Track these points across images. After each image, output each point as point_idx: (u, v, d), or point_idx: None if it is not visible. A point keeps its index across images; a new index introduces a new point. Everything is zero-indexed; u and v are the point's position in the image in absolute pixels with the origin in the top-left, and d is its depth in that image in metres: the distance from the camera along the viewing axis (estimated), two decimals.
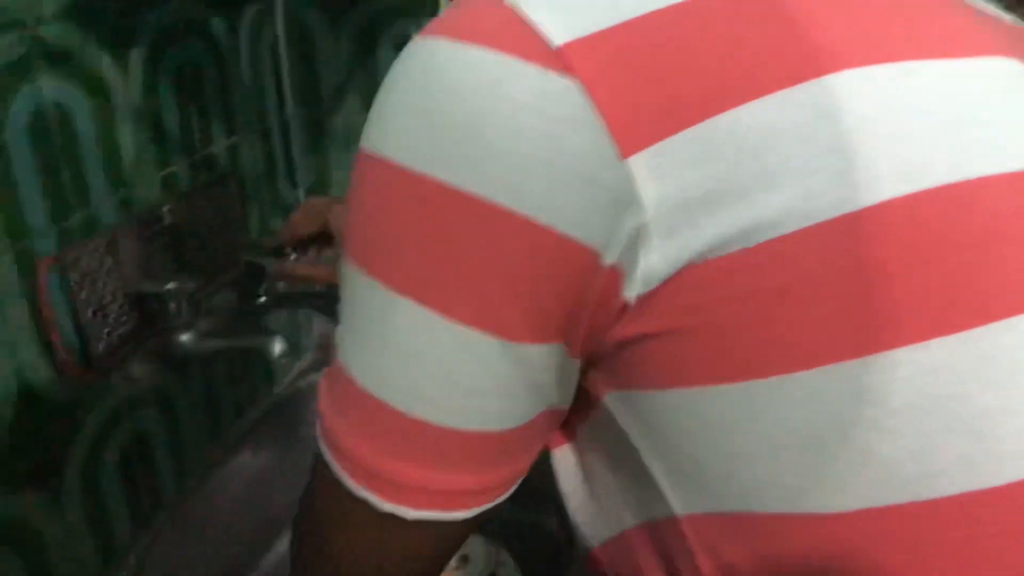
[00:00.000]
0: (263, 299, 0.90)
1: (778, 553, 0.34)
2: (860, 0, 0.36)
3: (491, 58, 0.33)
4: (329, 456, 0.40)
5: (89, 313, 0.73)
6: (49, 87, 0.68)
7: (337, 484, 0.39)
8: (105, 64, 0.74)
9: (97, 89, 0.73)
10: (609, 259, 0.33)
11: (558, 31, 0.33)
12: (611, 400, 0.38)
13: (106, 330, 0.75)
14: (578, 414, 0.41)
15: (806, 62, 0.33)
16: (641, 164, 0.32)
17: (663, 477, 0.37)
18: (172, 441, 0.87)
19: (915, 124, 0.33)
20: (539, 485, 0.46)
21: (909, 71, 0.34)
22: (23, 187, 0.66)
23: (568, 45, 0.33)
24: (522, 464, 0.41)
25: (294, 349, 1.13)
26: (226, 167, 0.93)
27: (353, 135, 1.04)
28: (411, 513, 0.38)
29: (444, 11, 0.37)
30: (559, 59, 0.33)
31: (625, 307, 0.34)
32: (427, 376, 0.36)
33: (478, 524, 0.41)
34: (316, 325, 1.16)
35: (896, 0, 0.37)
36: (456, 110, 0.34)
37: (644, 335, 0.34)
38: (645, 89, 0.32)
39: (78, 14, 0.70)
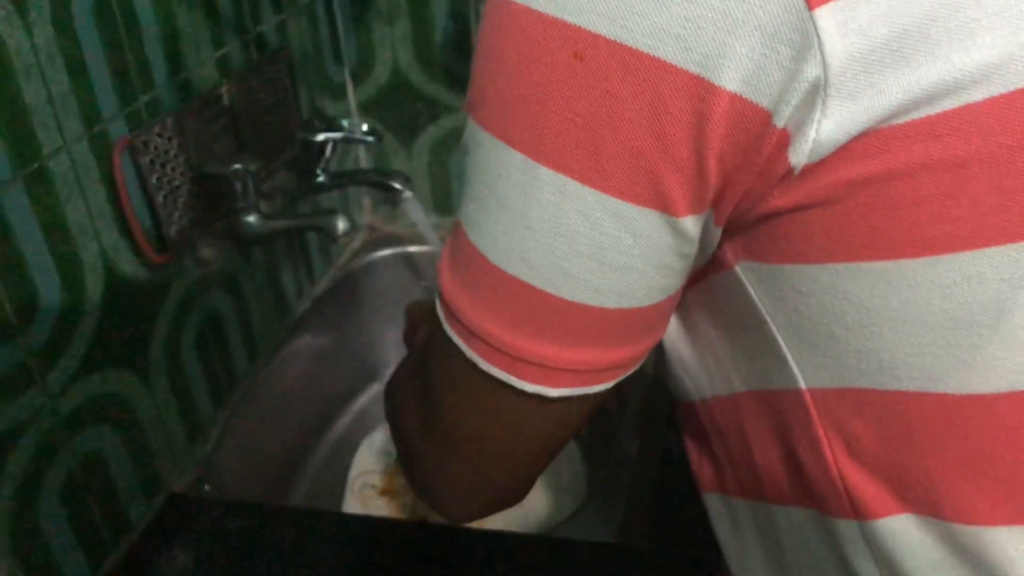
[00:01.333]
0: (320, 178, 0.91)
1: (907, 431, 0.34)
2: None
3: None
4: (459, 339, 0.38)
5: (161, 197, 0.74)
6: None
7: (470, 367, 0.38)
8: None
9: None
10: (780, 121, 0.31)
11: None
12: (743, 269, 0.37)
13: (177, 213, 0.77)
14: (695, 273, 0.40)
15: None
16: (828, 16, 0.29)
17: (792, 349, 0.36)
18: (242, 320, 0.90)
19: None
20: None
21: None
22: (93, 70, 0.66)
23: None
24: (661, 332, 0.40)
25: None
26: (276, 46, 0.92)
27: (396, 11, 1.02)
28: (554, 392, 0.37)
29: None
30: None
31: (788, 174, 0.32)
32: (576, 255, 0.34)
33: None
34: (366, 204, 1.17)
35: None
36: None
37: (801, 206, 0.33)
38: None
39: None
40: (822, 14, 0.29)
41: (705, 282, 0.40)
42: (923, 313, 0.32)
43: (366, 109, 1.10)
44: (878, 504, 0.36)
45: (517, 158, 0.34)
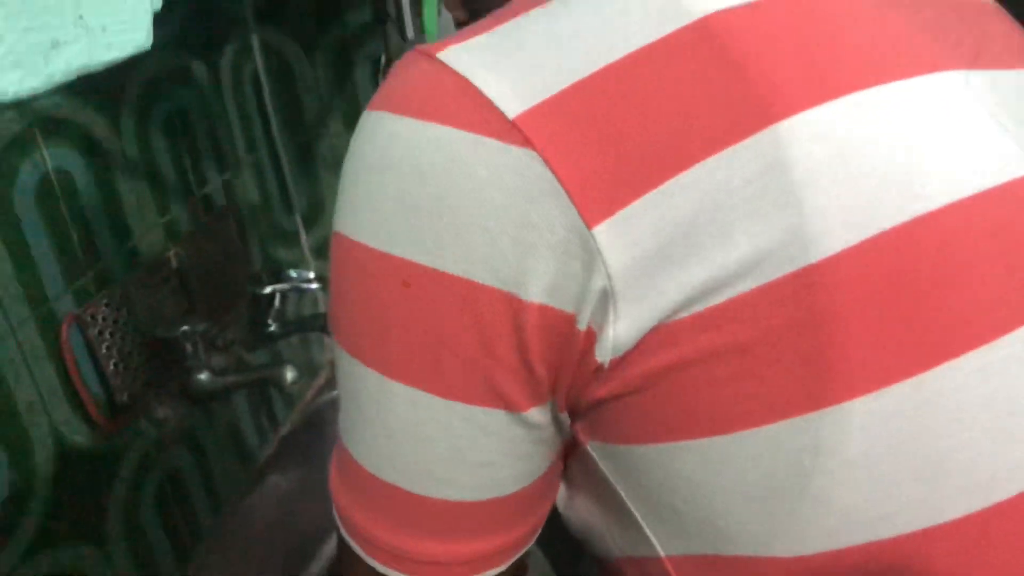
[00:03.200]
0: (272, 328, 0.93)
1: None
2: (806, 27, 0.35)
3: (451, 135, 0.33)
4: (351, 541, 0.40)
5: (111, 365, 0.76)
6: (50, 155, 0.70)
7: (366, 566, 0.40)
8: (99, 124, 0.76)
9: (94, 149, 0.76)
10: (583, 324, 0.34)
11: (512, 102, 0.33)
12: (592, 448, 0.39)
13: (129, 378, 0.78)
14: (564, 449, 0.43)
15: (754, 112, 0.32)
16: (605, 233, 0.32)
17: (646, 520, 0.38)
18: (203, 474, 0.90)
19: (863, 166, 0.33)
20: None
21: (856, 103, 0.34)
22: (37, 253, 0.68)
23: (522, 116, 0.33)
24: (544, 510, 0.42)
25: (308, 369, 1.16)
26: (223, 204, 0.95)
27: (340, 156, 1.07)
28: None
29: (393, 79, 0.37)
30: (516, 131, 0.33)
31: (599, 368, 0.35)
32: (438, 458, 0.37)
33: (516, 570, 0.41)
34: (327, 343, 1.19)
35: (843, 19, 0.36)
36: (425, 192, 0.34)
37: (618, 395, 0.35)
38: (602, 155, 0.33)
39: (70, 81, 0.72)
40: (600, 231, 0.32)
41: (574, 458, 0.42)
42: (742, 484, 0.34)
43: (321, 252, 1.13)
44: None
45: (371, 375, 0.36)
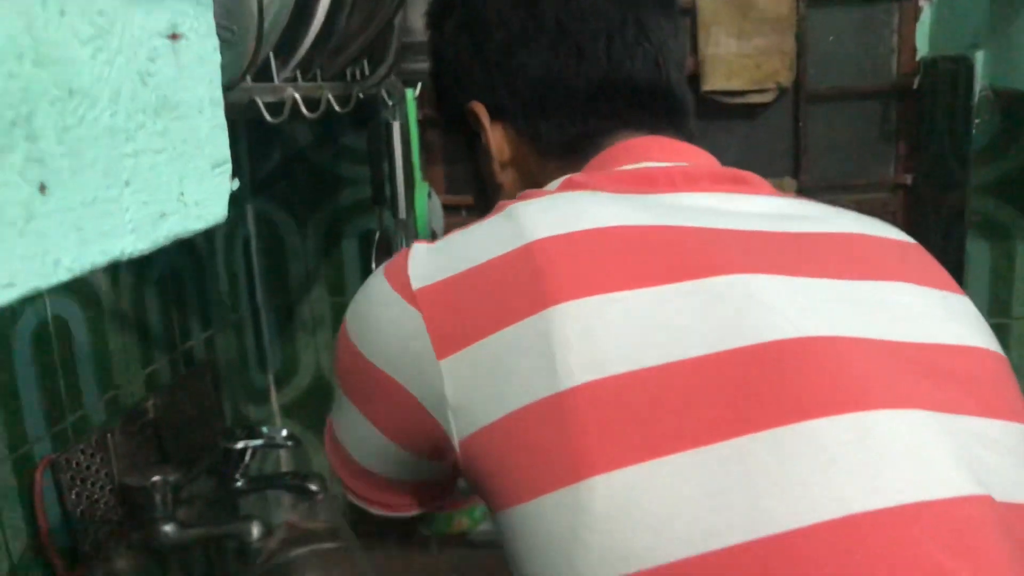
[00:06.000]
0: (239, 483, 0.94)
1: None
2: (595, 248, 0.52)
3: (388, 289, 0.55)
4: (343, 483, 0.65)
5: (78, 512, 0.77)
6: (51, 302, 0.74)
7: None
8: (97, 275, 0.81)
9: (92, 301, 0.80)
10: (438, 419, 0.52)
11: (417, 279, 0.53)
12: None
13: (93, 527, 0.79)
14: None
15: (538, 300, 0.50)
16: (446, 365, 0.51)
17: (512, 571, 0.52)
18: None
19: (607, 333, 0.49)
20: None
21: (613, 299, 0.50)
22: (24, 397, 0.71)
23: (419, 290, 0.53)
24: (431, 497, 0.65)
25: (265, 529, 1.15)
26: (202, 359, 0.99)
27: (318, 321, 1.12)
28: (385, 513, 0.65)
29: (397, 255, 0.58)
30: (414, 299, 0.53)
31: (455, 452, 0.52)
32: (372, 453, 0.60)
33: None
34: (284, 504, 1.19)
35: (623, 242, 0.52)
36: (371, 316, 0.56)
37: (469, 478, 0.53)
38: (453, 319, 0.52)
39: None
40: (443, 365, 0.51)
41: None
42: (537, 538, 0.48)
43: (288, 412, 1.16)
44: None
45: (346, 401, 0.60)
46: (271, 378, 1.14)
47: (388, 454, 0.59)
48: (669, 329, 0.50)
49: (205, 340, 0.99)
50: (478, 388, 0.51)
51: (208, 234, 1.00)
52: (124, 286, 0.85)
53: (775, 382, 0.48)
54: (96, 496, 0.79)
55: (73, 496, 0.76)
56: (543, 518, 0.48)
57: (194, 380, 0.96)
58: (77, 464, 0.77)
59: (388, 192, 0.96)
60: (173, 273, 0.93)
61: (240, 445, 0.91)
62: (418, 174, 0.99)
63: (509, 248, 0.53)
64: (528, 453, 0.49)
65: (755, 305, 0.50)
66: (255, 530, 0.81)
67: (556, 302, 0.50)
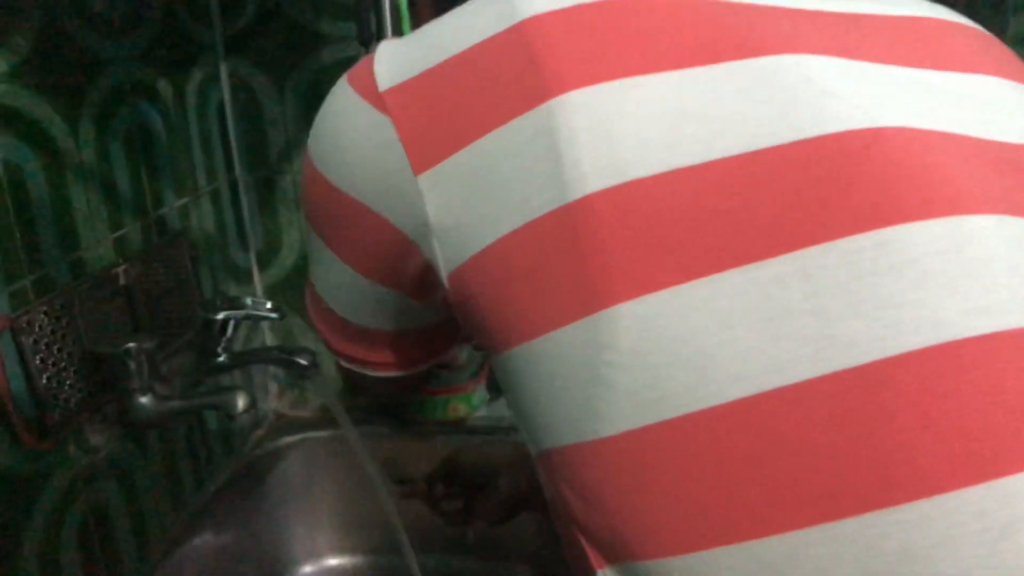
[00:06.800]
0: (222, 358, 0.88)
1: (585, 479, 0.41)
2: (600, 25, 0.42)
3: (352, 95, 0.47)
4: (326, 342, 0.60)
5: (44, 379, 0.70)
6: (0, 144, 0.66)
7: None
8: (56, 124, 0.72)
9: (48, 149, 0.72)
10: (421, 251, 0.45)
11: (384, 80, 0.45)
12: (491, 361, 0.47)
13: (62, 396, 0.72)
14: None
15: (537, 90, 0.41)
16: (426, 181, 0.43)
17: (517, 421, 0.46)
18: (132, 515, 0.83)
19: (626, 127, 0.40)
20: None
21: (632, 85, 0.41)
22: None
23: (386, 91, 0.45)
24: (424, 351, 0.59)
25: (250, 418, 1.09)
26: (177, 229, 0.91)
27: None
28: (374, 373, 0.59)
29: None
30: (381, 102, 0.45)
31: (443, 285, 0.45)
32: (353, 299, 0.53)
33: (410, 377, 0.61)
34: (272, 389, 1.13)
35: (635, 17, 0.43)
36: (334, 132, 0.48)
37: (461, 314, 0.45)
38: (430, 123, 0.43)
39: (27, 74, 0.69)
40: (422, 179, 0.44)
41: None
42: (550, 380, 0.41)
43: (273, 293, 1.09)
44: (594, 559, 0.42)
45: (318, 241, 0.53)
46: (253, 257, 1.07)
47: (367, 297, 0.52)
48: (705, 120, 0.40)
49: (179, 209, 0.92)
50: (467, 206, 0.42)
51: (178, 90, 0.91)
52: (84, 135, 0.76)
53: (845, 181, 0.39)
54: (63, 364, 0.72)
55: (38, 361, 0.69)
56: (554, 357, 0.41)
57: (169, 250, 0.89)
58: (40, 328, 0.70)
59: (374, 28, 0.87)
60: (141, 129, 0.85)
61: (221, 316, 0.84)
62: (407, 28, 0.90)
63: (496, 30, 0.43)
64: (532, 281, 0.41)
65: (814, 90, 0.41)
66: (240, 401, 0.75)
67: (559, 91, 0.41)
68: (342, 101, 0.47)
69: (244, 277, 1.06)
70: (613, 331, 0.39)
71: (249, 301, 0.87)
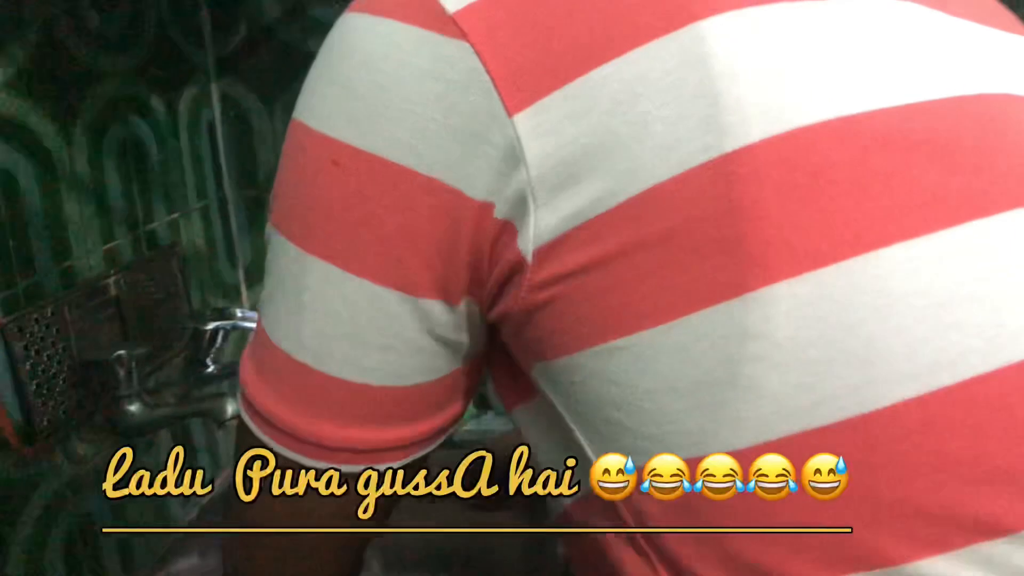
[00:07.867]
0: (211, 369, 0.88)
1: (687, 501, 0.34)
2: None
3: (396, 28, 0.35)
4: (252, 423, 0.41)
5: (34, 385, 0.70)
6: None
7: (259, 444, 0.40)
8: (50, 135, 0.74)
9: (42, 158, 0.73)
10: (499, 213, 0.35)
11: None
12: (536, 374, 0.39)
13: (51, 403, 0.72)
14: (518, 392, 0.42)
15: (678, 10, 0.33)
16: (525, 121, 0.33)
17: (585, 439, 0.37)
18: (119, 525, 0.83)
19: (787, 65, 0.33)
20: None
21: (784, 11, 0.34)
22: None
23: (460, 11, 0.35)
24: (445, 413, 0.41)
25: None
26: (167, 243, 0.92)
27: None
28: (344, 468, 0.39)
29: None
30: (453, 25, 0.34)
31: (522, 262, 0.35)
32: (342, 335, 0.37)
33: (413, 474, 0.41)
34: None
35: None
36: (366, 78, 0.35)
37: (545, 301, 0.35)
38: (529, 48, 0.34)
39: (23, 84, 0.70)
40: (520, 119, 0.34)
41: (527, 398, 0.41)
42: (670, 380, 0.33)
43: None
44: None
45: (292, 249, 0.38)
46: (241, 273, 1.08)
47: (383, 327, 0.37)
48: (868, 61, 0.34)
49: (170, 223, 0.93)
50: (586, 155, 0.33)
51: (170, 107, 0.93)
52: (78, 147, 0.77)
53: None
54: (53, 371, 0.73)
55: (28, 367, 0.70)
56: (680, 351, 0.33)
57: (160, 264, 0.89)
58: (31, 334, 0.70)
59: None
60: (134, 143, 0.86)
61: (211, 327, 0.85)
62: None
63: None
64: (669, 250, 0.32)
65: (966, 51, 0.37)
66: (230, 407, 0.76)
67: (708, 13, 0.33)
68: (387, 37, 0.35)
69: (232, 292, 1.07)
70: (767, 317, 0.32)
71: (238, 312, 0.88)
